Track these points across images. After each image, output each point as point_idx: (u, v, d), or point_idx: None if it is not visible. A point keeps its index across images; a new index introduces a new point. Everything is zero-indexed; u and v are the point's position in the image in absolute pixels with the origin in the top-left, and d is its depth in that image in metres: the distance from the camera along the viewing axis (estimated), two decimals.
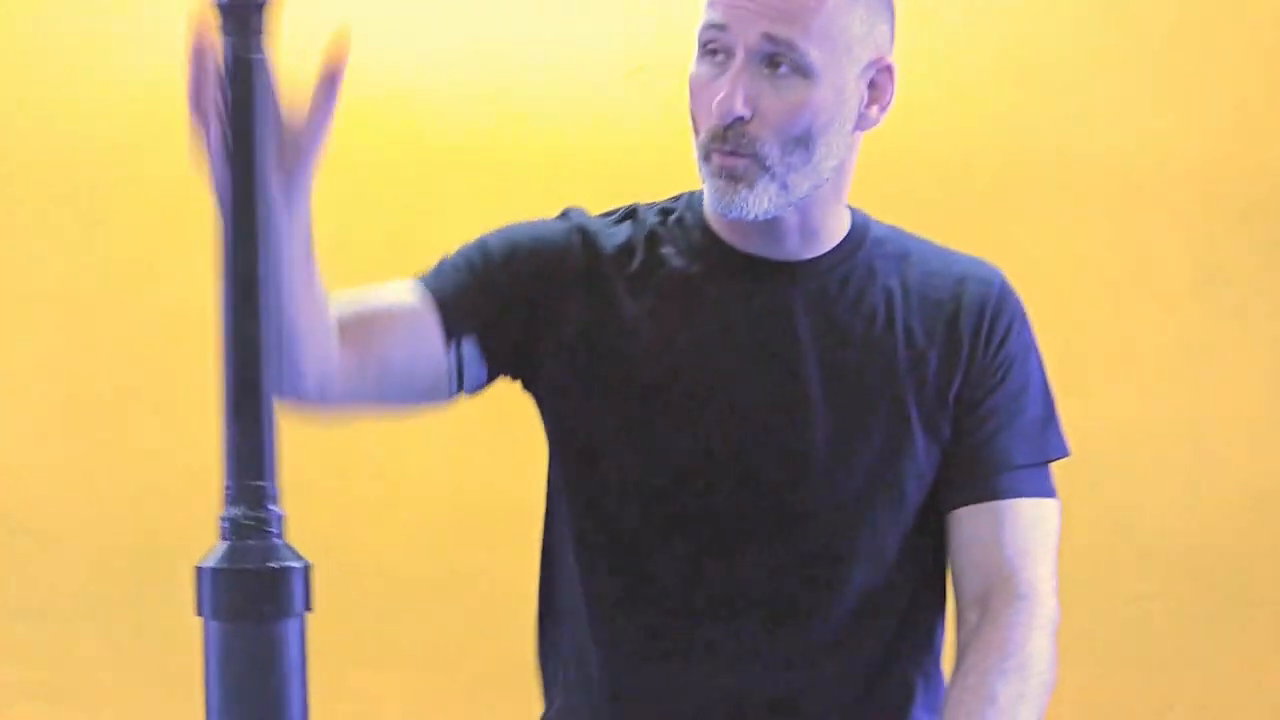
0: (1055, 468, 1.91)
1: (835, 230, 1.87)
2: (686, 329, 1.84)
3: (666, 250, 1.88)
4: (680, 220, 1.89)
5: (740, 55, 1.74)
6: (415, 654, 3.17)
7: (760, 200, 1.76)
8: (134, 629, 3.10)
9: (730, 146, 1.76)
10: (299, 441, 3.00)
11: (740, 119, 1.74)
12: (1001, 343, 1.88)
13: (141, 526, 3.11)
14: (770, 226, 1.81)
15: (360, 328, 1.72)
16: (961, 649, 1.80)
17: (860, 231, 1.90)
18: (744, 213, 1.77)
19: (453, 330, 1.78)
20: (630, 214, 1.92)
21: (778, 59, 1.74)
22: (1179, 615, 3.11)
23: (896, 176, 2.94)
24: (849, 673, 1.86)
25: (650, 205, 1.94)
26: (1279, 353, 3.11)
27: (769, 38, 1.73)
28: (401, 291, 1.78)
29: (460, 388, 1.81)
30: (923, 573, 1.88)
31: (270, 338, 1.47)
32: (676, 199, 1.92)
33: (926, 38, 3.03)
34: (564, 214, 1.92)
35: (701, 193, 1.90)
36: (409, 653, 3.17)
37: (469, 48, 3.17)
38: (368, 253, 2.79)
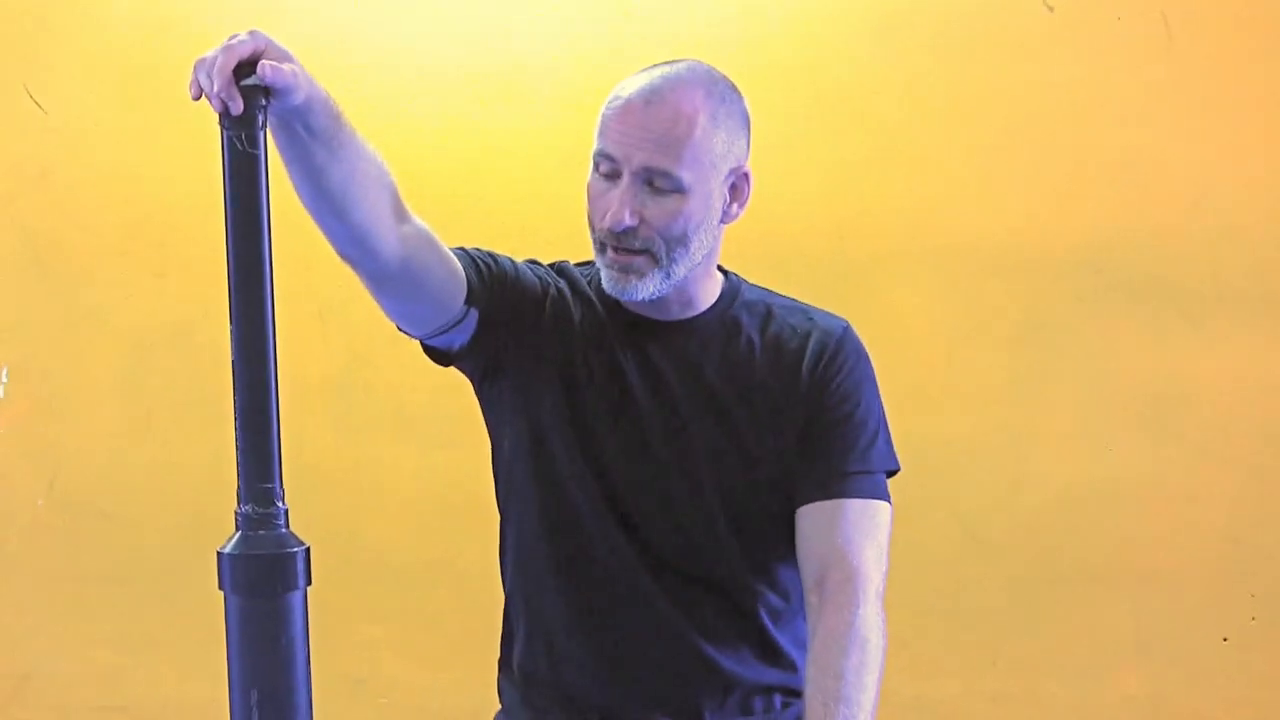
0: (905, 477, 1.98)
1: (708, 295, 1.98)
2: (603, 365, 1.94)
3: (595, 304, 1.97)
4: (592, 282, 1.99)
5: (627, 177, 1.83)
6: (406, 613, 3.22)
7: (648, 286, 1.87)
8: (186, 593, 3.06)
9: (625, 245, 1.85)
10: (316, 447, 3.01)
11: (630, 228, 1.83)
12: (837, 377, 1.94)
13: (192, 514, 3.17)
14: (656, 300, 1.92)
15: (424, 240, 1.79)
16: (810, 631, 1.85)
17: (730, 294, 2.00)
18: (634, 296, 1.88)
19: (472, 297, 1.87)
20: (578, 266, 2.04)
21: (657, 182, 1.82)
22: (1003, 590, 3.16)
23: (787, 250, 3.03)
24: (724, 612, 1.96)
25: (579, 265, 2.04)
26: (1085, 383, 3.11)
27: (648, 169, 1.82)
28: (453, 252, 1.88)
29: (444, 333, 1.89)
30: (782, 555, 1.96)
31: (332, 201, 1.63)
32: (592, 264, 2.00)
33: (813, 134, 3.10)
34: (557, 265, 2.02)
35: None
36: (401, 612, 3.22)
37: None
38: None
